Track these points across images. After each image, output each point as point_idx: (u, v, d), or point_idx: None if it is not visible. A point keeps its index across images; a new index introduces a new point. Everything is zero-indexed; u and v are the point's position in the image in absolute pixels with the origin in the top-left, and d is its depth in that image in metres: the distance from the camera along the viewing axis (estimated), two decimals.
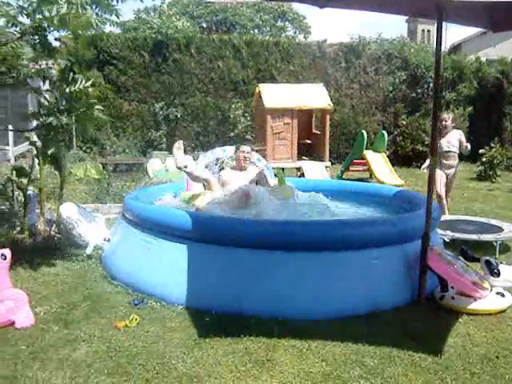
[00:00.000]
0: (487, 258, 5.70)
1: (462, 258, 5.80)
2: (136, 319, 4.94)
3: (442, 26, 5.19)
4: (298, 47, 16.49)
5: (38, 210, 7.57)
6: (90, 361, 4.26)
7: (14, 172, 7.31)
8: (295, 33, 35.36)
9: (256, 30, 30.24)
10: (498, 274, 5.50)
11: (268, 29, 31.79)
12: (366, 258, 5.38)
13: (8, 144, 12.18)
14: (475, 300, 5.34)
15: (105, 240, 6.90)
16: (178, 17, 17.87)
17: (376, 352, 4.46)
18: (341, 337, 4.68)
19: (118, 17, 5.81)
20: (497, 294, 5.47)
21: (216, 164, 8.11)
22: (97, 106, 6.36)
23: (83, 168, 7.47)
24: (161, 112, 15.39)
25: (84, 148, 14.34)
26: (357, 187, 8.79)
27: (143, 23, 21.10)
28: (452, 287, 5.50)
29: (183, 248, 5.45)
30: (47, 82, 6.46)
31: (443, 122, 8.69)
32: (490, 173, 14.18)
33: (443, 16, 5.15)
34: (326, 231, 5.38)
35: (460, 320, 5.16)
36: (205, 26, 31.45)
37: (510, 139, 16.84)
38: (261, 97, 12.12)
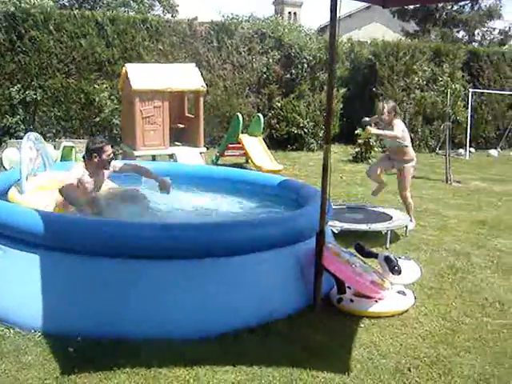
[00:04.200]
0: (386, 254, 5.22)
1: (357, 255, 5.29)
2: None
3: None
4: (168, 25, 15.49)
5: None
6: None
7: None
8: (163, 12, 34.12)
9: (122, 8, 28.63)
10: (399, 272, 5.02)
11: (136, 6, 30.26)
12: (253, 263, 4.72)
13: None
14: (376, 301, 4.86)
15: None
16: None
17: (275, 375, 3.83)
18: (233, 358, 3.99)
19: None
20: (398, 292, 5.02)
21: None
22: None
23: None
24: (17, 95, 13.89)
25: None
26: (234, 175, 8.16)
27: None
28: (349, 287, 4.99)
29: (36, 258, 4.47)
30: None
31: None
32: (366, 155, 14.05)
33: None
34: (205, 235, 4.58)
35: (362, 325, 4.66)
36: (67, 4, 29.48)
37: None
38: (128, 78, 11.11)
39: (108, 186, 6.41)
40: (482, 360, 4.13)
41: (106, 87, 14.06)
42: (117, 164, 6.32)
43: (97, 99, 13.99)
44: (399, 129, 7.40)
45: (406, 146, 7.54)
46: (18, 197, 6.01)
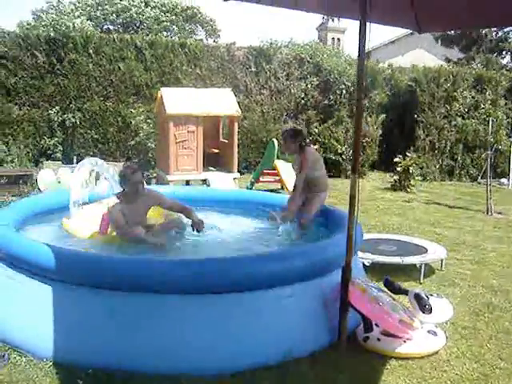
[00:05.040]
0: (417, 291, 4.95)
1: (386, 290, 5.04)
2: None
3: (365, 24, 4.43)
4: (206, 50, 15.51)
5: None
6: None
7: None
8: (205, 36, 34.49)
9: (164, 33, 28.98)
10: (430, 310, 4.75)
11: (177, 30, 30.63)
12: (274, 298, 4.50)
13: None
14: (404, 341, 4.59)
15: None
16: (76, 14, 16.49)
17: None
18: None
19: None
20: (428, 332, 4.74)
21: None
22: None
23: None
24: (56, 118, 14.05)
25: None
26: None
27: (39, 21, 19.55)
28: (377, 325, 4.73)
29: (54, 289, 4.39)
30: None
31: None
32: (405, 183, 13.72)
33: (367, 13, 4.40)
34: (223, 269, 4.39)
35: (388, 367, 4.39)
36: (111, 27, 29.97)
37: (424, 147, 16.51)
38: (162, 102, 11.10)
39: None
40: None
41: (143, 111, 14.08)
42: (170, 202, 6.22)
43: (133, 122, 14.02)
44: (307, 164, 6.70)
45: (318, 178, 6.78)
46: (67, 222, 6.18)
